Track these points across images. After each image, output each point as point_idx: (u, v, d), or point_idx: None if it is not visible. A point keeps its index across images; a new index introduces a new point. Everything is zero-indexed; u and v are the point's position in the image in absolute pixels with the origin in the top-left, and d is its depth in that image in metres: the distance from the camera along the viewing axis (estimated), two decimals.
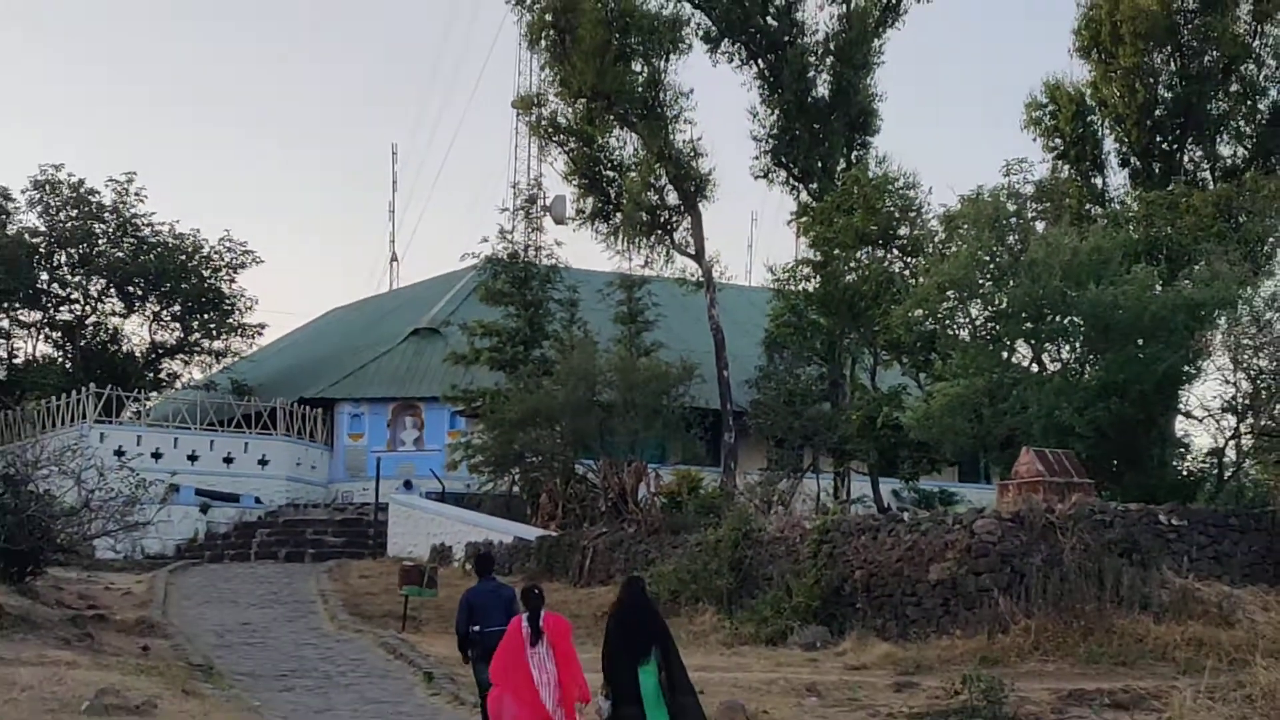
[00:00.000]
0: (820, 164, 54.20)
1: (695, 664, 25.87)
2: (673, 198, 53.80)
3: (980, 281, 39.70)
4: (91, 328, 66.20)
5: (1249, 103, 51.26)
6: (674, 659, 15.32)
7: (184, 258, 64.03)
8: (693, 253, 53.74)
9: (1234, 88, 51.18)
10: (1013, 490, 32.52)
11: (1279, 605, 28.80)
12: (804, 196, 54.77)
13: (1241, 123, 51.66)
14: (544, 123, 55.32)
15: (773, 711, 19.96)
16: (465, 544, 44.70)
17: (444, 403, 55.72)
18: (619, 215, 53.80)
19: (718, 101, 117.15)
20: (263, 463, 56.74)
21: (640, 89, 52.79)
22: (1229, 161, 51.96)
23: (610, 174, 54.98)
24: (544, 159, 58.46)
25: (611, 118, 53.91)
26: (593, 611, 31.69)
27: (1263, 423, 38.33)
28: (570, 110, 54.56)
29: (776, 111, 54.19)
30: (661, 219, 53.74)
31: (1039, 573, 27.54)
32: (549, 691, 15.64)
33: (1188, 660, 23.91)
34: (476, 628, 19.42)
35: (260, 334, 68.43)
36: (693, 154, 53.27)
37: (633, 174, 53.59)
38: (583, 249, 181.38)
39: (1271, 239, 41.69)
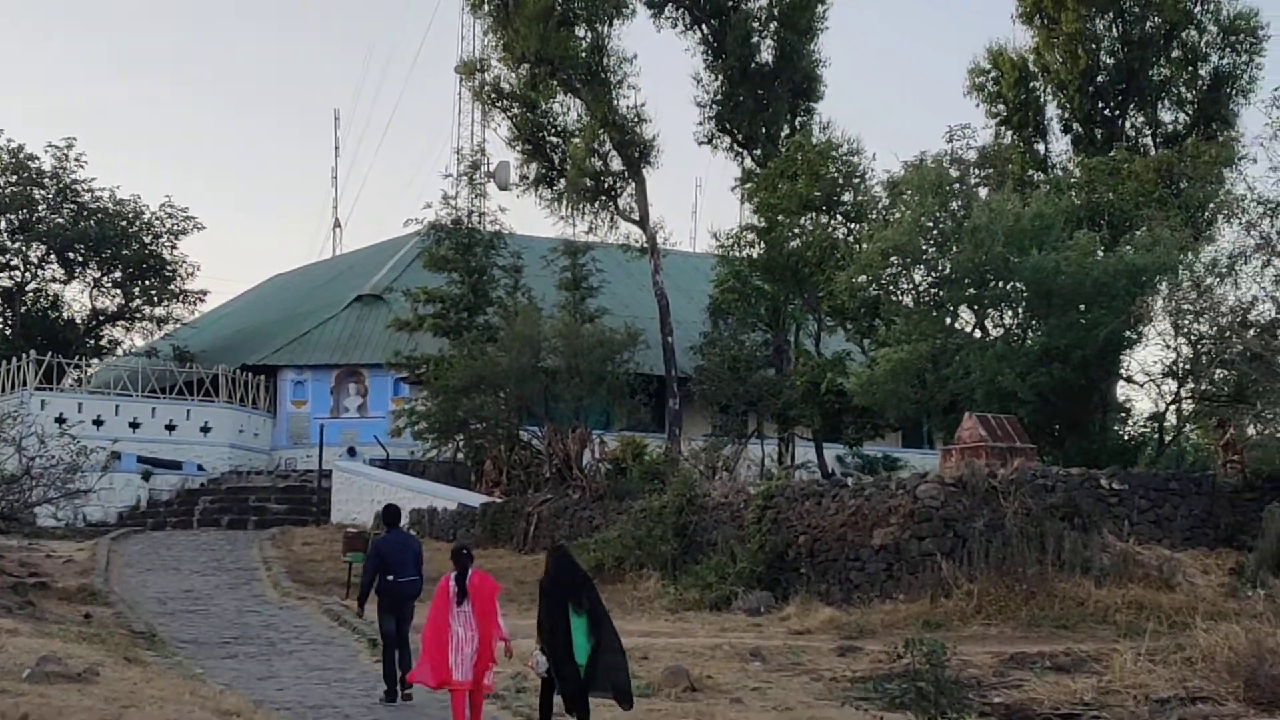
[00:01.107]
0: (764, 130, 54.19)
1: (639, 629, 25.96)
2: (617, 164, 53.68)
3: (924, 247, 39.84)
4: (31, 294, 65.54)
5: (1190, 69, 51.44)
6: (603, 619, 15.85)
7: (125, 224, 63.44)
8: (637, 219, 53.64)
9: (1175, 54, 51.36)
10: (955, 455, 32.66)
11: (1218, 568, 29.07)
12: (748, 163, 54.77)
13: (1183, 89, 51.86)
14: (487, 88, 55.08)
15: (717, 676, 19.99)
16: (410, 511, 44.59)
17: (388, 369, 55.50)
18: (563, 181, 53.68)
19: (662, 67, 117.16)
20: (205, 430, 56.40)
21: (584, 54, 52.60)
22: (1170, 127, 52.20)
23: (554, 140, 54.83)
24: (488, 125, 58.45)
25: (555, 83, 53.73)
26: (537, 577, 31.62)
27: (1203, 387, 38.57)
28: (514, 76, 54.33)
29: (720, 77, 54.11)
30: (605, 185, 53.61)
31: (981, 537, 27.71)
32: (470, 648, 16.01)
33: (1128, 623, 24.08)
34: (390, 577, 19.75)
35: (202, 300, 68.00)
36: (637, 120, 53.14)
37: (576, 140, 53.44)
38: (527, 215, 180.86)
39: (1212, 205, 41.92)
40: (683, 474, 38.07)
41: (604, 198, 53.59)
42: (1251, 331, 33.26)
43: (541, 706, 15.92)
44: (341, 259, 75.65)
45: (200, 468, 55.65)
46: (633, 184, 53.66)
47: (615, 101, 52.91)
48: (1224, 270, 36.60)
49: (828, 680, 19.90)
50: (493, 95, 54.99)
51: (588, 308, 53.19)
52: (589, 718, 15.65)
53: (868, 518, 29.57)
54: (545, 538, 38.00)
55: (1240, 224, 33.42)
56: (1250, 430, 35.01)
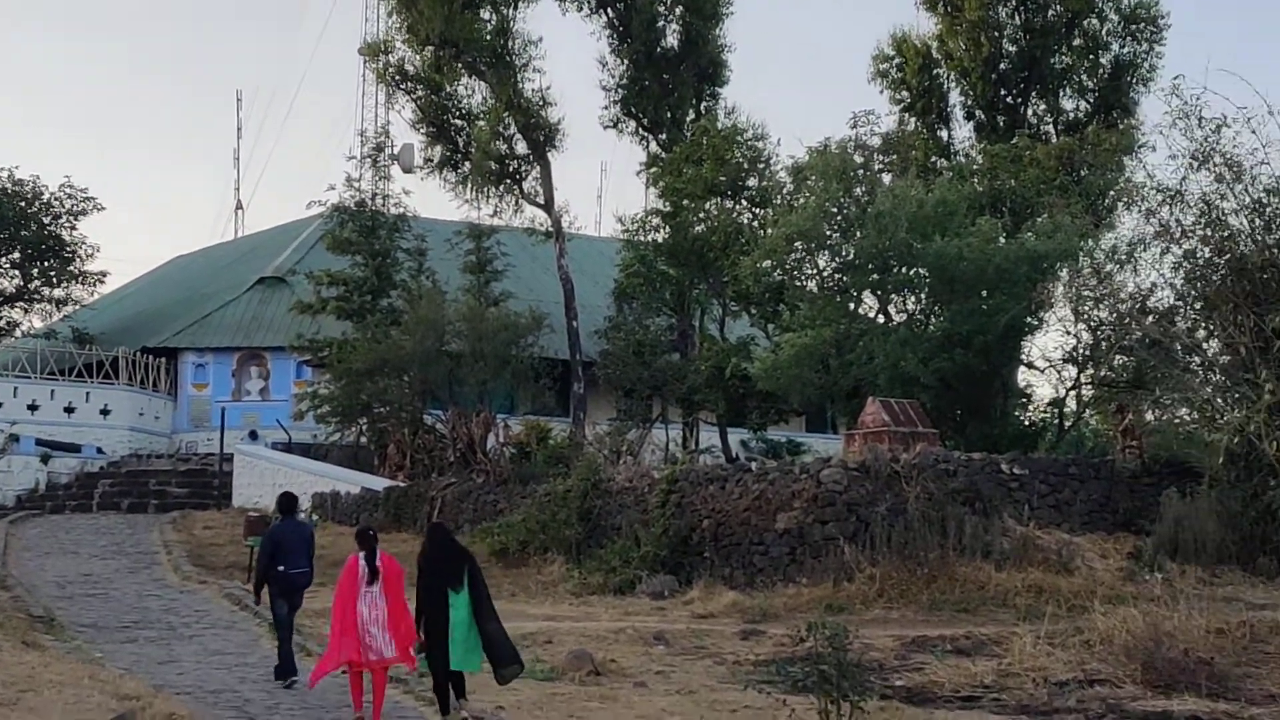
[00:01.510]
0: (670, 114, 54.23)
1: (544, 613, 25.96)
2: (522, 147, 53.56)
3: (828, 233, 40.00)
4: None
5: (1091, 57, 51.91)
6: (482, 592, 16.13)
7: (23, 204, 62.47)
8: (542, 202, 53.55)
9: (1077, 42, 51.81)
10: (859, 440, 32.83)
11: (1117, 553, 29.39)
12: (653, 147, 54.81)
13: (1084, 77, 52.33)
14: (391, 70, 54.77)
15: (621, 660, 20.01)
16: (312, 494, 44.39)
17: (290, 352, 55.12)
18: (467, 164, 53.48)
19: (567, 51, 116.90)
20: (105, 412, 55.81)
21: (489, 37, 52.42)
22: (1072, 115, 52.68)
23: (459, 122, 54.59)
24: (392, 107, 58.07)
25: (460, 66, 53.51)
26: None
27: (1102, 373, 38.95)
28: (418, 58, 54.04)
29: (626, 61, 54.09)
30: (510, 168, 53.47)
31: (884, 521, 27.86)
32: (376, 628, 15.98)
33: (1028, 606, 24.28)
34: (281, 568, 19.83)
35: (102, 282, 67.03)
36: (542, 103, 53.03)
37: (481, 123, 53.25)
38: (431, 198, 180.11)
39: (1112, 192, 42.32)
40: (587, 458, 38.03)
41: (509, 181, 53.45)
42: (1150, 318, 33.56)
43: (452, 686, 15.94)
44: (244, 241, 75.05)
45: (100, 451, 55.05)
46: (538, 167, 53.57)
47: (520, 85, 52.78)
48: (1124, 257, 36.93)
49: (731, 664, 19.97)
50: (397, 77, 54.70)
51: (492, 291, 53.02)
52: (464, 692, 15.77)
53: (771, 502, 29.66)
54: (449, 522, 37.87)
55: (1140, 211, 33.66)
56: (1149, 416, 35.39)
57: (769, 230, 42.70)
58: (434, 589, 15.90)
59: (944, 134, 53.46)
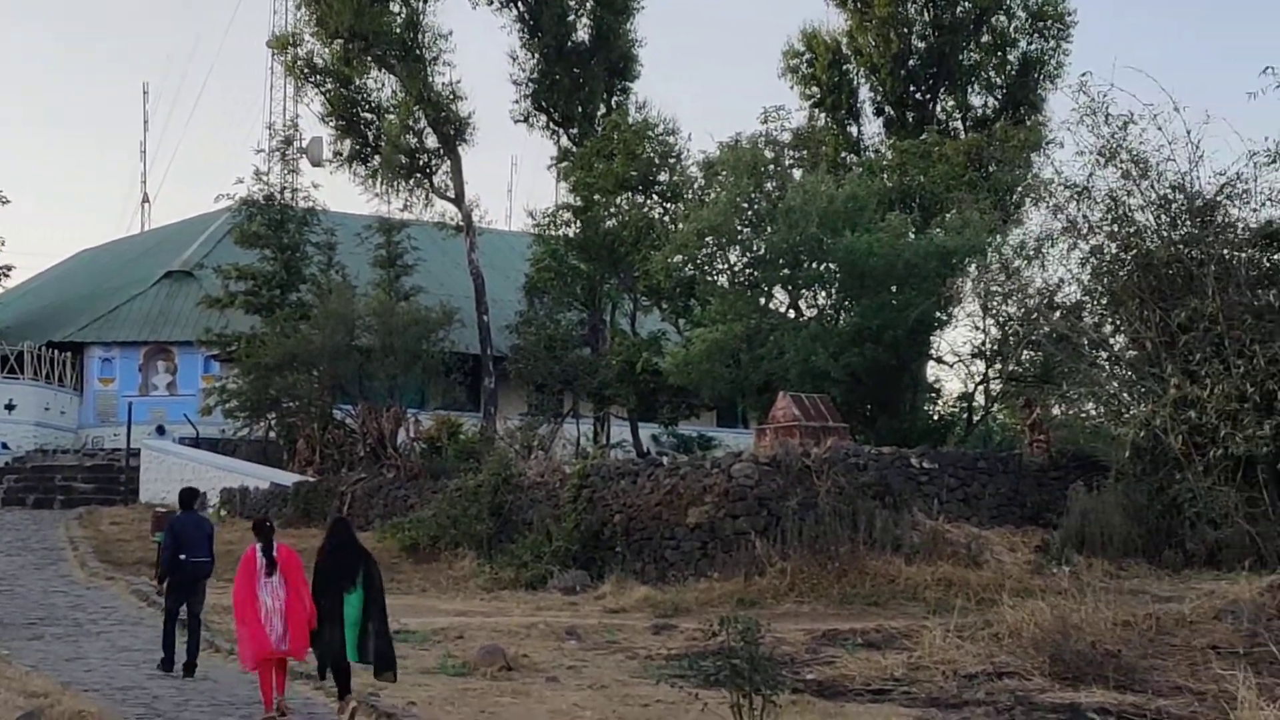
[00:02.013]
0: (581, 109, 54.17)
1: (455, 609, 25.89)
2: (432, 141, 53.35)
3: (739, 228, 40.09)
4: None
5: (999, 54, 52.23)
6: (376, 588, 15.96)
7: None
8: (453, 196, 53.37)
9: (985, 39, 52.11)
10: (770, 434, 32.92)
11: (1025, 546, 29.62)
12: (564, 141, 54.72)
13: (992, 73, 52.62)
14: (300, 63, 54.39)
15: (532, 655, 19.97)
16: (220, 490, 44.08)
17: (198, 347, 54.75)
18: (377, 158, 53.21)
19: (478, 45, 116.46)
20: (9, 408, 55.19)
21: (399, 30, 52.16)
22: (980, 111, 52.98)
23: (369, 116, 54.30)
24: (300, 100, 57.72)
25: (370, 59, 53.21)
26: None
27: (1010, 368, 39.24)
28: (327, 51, 53.70)
29: (537, 55, 53.96)
30: (421, 162, 53.23)
31: (795, 515, 27.93)
32: (278, 619, 15.92)
33: (937, 600, 24.42)
34: (183, 556, 20.01)
35: (7, 276, 66.22)
36: (452, 97, 52.83)
37: (391, 116, 53.03)
38: (341, 191, 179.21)
39: (1020, 188, 42.63)
40: (498, 453, 37.99)
41: (419, 175, 53.23)
42: (1058, 313, 33.85)
43: (337, 678, 15.85)
44: (150, 234, 74.42)
45: (4, 446, 54.45)
46: (448, 161, 53.37)
47: (431, 78, 52.56)
48: (1031, 253, 37.17)
49: (643, 658, 19.97)
50: (306, 70, 54.34)
51: (403, 286, 52.87)
52: (349, 688, 15.64)
53: (683, 496, 29.69)
54: (359, 517, 37.74)
55: (1048, 207, 33.95)
56: (1056, 410, 35.68)
57: (680, 225, 42.75)
58: (330, 584, 15.85)
59: (854, 130, 53.68)
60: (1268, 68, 29.67)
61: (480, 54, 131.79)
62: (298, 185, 55.22)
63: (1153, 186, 31.01)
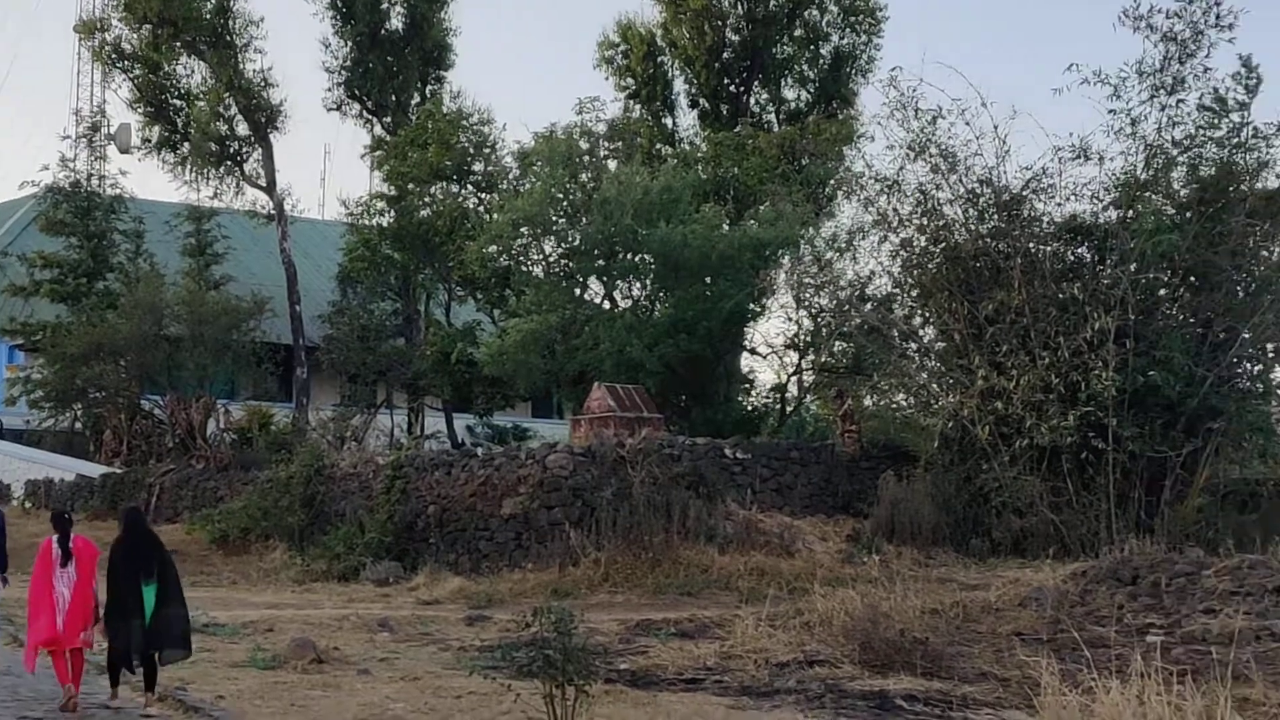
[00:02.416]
0: (395, 97, 53.73)
1: (265, 601, 25.58)
2: (243, 128, 52.58)
3: (554, 219, 40.06)
4: None
5: (812, 48, 52.61)
6: (171, 577, 15.83)
7: None
8: (264, 185, 52.66)
9: (798, 32, 52.46)
10: (585, 425, 32.96)
11: (836, 535, 29.99)
12: (378, 130, 54.22)
13: (805, 67, 53.00)
14: (108, 48, 53.31)
15: (344, 648, 19.78)
16: (25, 481, 43.21)
17: (1, 336, 53.53)
18: (187, 145, 52.34)
19: (290, 32, 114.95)
20: None
21: (209, 16, 51.30)
22: (793, 105, 53.34)
23: (178, 103, 53.35)
24: (108, 86, 56.67)
25: (179, 45, 52.30)
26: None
27: (823, 359, 39.66)
28: (136, 36, 52.66)
29: (350, 43, 53.34)
30: (231, 150, 52.46)
31: (609, 506, 28.01)
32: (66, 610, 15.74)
33: (750, 589, 24.59)
34: None
35: None
36: (264, 84, 52.09)
37: (201, 103, 52.15)
38: (150, 179, 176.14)
39: (832, 181, 43.05)
40: (310, 444, 37.63)
41: (230, 163, 52.46)
42: (869, 305, 34.29)
43: (145, 671, 15.65)
44: None
45: None
46: (260, 149, 52.67)
47: (242, 65, 51.79)
48: (843, 245, 37.71)
49: (456, 649, 19.87)
50: (113, 56, 53.29)
51: (213, 275, 52.12)
52: (154, 686, 15.45)
53: (497, 487, 29.65)
54: (168, 509, 37.26)
55: (859, 200, 34.39)
56: (868, 401, 36.13)
57: (495, 215, 42.60)
58: (127, 576, 15.61)
59: (669, 121, 53.81)
60: (1072, 65, 30.32)
61: (293, 41, 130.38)
62: (105, 172, 54.32)
63: (961, 180, 31.52)
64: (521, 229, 40.23)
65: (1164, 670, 11.86)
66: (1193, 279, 30.93)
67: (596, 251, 39.05)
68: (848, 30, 52.37)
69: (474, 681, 15.05)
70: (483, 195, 47.85)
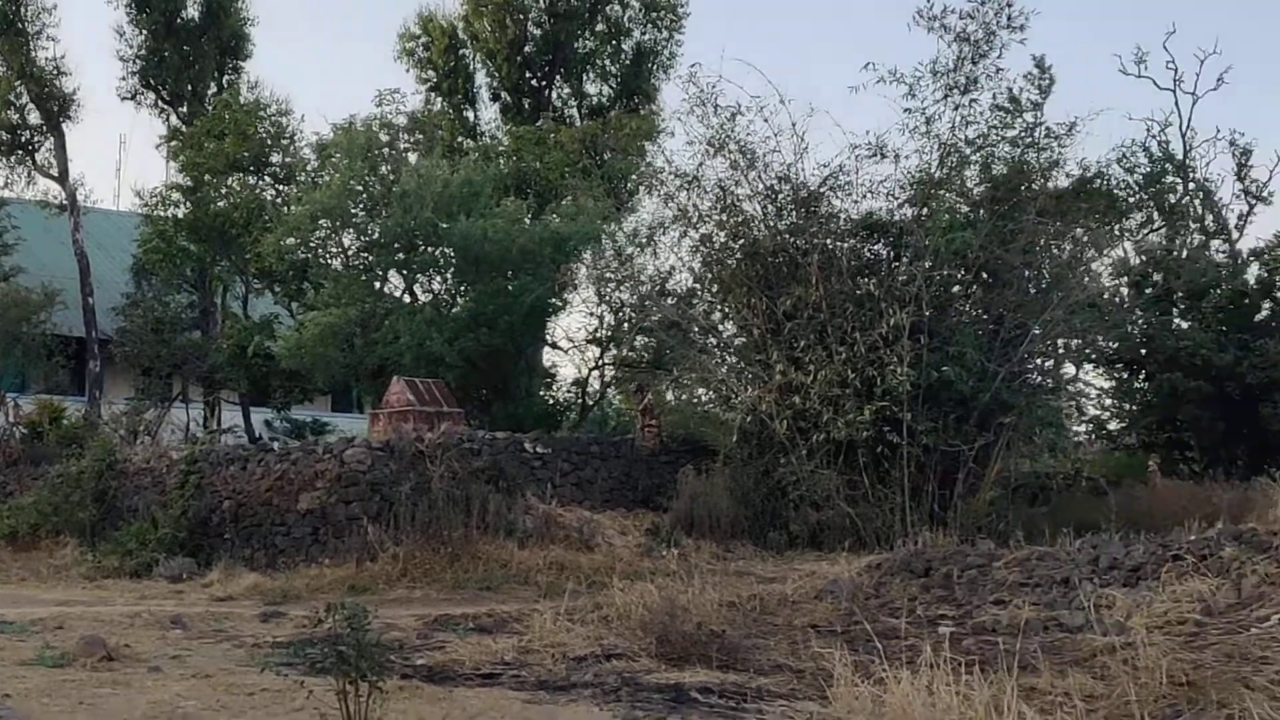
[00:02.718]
0: (191, 87, 52.92)
1: (55, 598, 25.05)
2: (35, 117, 51.37)
3: (353, 211, 39.78)
4: None
5: (614, 42, 52.81)
6: None
7: None
8: (56, 174, 51.56)
9: (600, 27, 52.62)
10: (384, 419, 32.74)
11: (636, 529, 30.10)
12: (174, 120, 53.34)
13: (607, 62, 53.19)
14: None
15: (136, 645, 19.40)
16: None
17: None
18: None
19: (85, 19, 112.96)
20: None
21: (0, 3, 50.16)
22: (595, 100, 53.50)
23: None
24: None
25: None
26: None
27: (625, 354, 39.78)
28: None
29: (145, 31, 52.37)
30: (23, 139, 51.28)
31: (408, 501, 27.80)
32: None
33: (549, 584, 24.56)
34: None
35: None
36: (56, 72, 50.94)
37: None
38: None
39: (633, 176, 43.22)
40: (102, 438, 36.93)
41: (20, 152, 51.28)
42: (669, 300, 34.45)
43: None
44: None
45: None
46: (51, 138, 51.54)
47: (33, 53, 50.61)
48: (644, 240, 37.85)
49: (250, 646, 19.59)
50: None
51: (2, 266, 50.89)
52: None
53: (294, 482, 29.32)
54: None
55: (660, 196, 34.56)
56: (670, 396, 36.30)
57: (293, 208, 42.16)
58: None
59: (471, 115, 53.68)
60: (869, 63, 30.75)
61: (87, 29, 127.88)
62: None
63: (760, 177, 31.79)
64: (320, 221, 39.86)
65: (954, 660, 12.03)
66: (985, 276, 31.53)
67: (396, 245, 38.80)
68: (649, 26, 52.62)
69: (267, 678, 14.87)
70: (281, 187, 47.32)
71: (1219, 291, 41.59)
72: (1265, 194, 49.19)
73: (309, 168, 45.39)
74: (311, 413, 54.70)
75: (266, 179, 47.73)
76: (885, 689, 11.78)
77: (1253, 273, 43.91)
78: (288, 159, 47.00)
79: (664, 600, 18.13)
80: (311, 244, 41.22)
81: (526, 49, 52.52)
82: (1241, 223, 48.86)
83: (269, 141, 47.11)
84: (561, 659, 16.56)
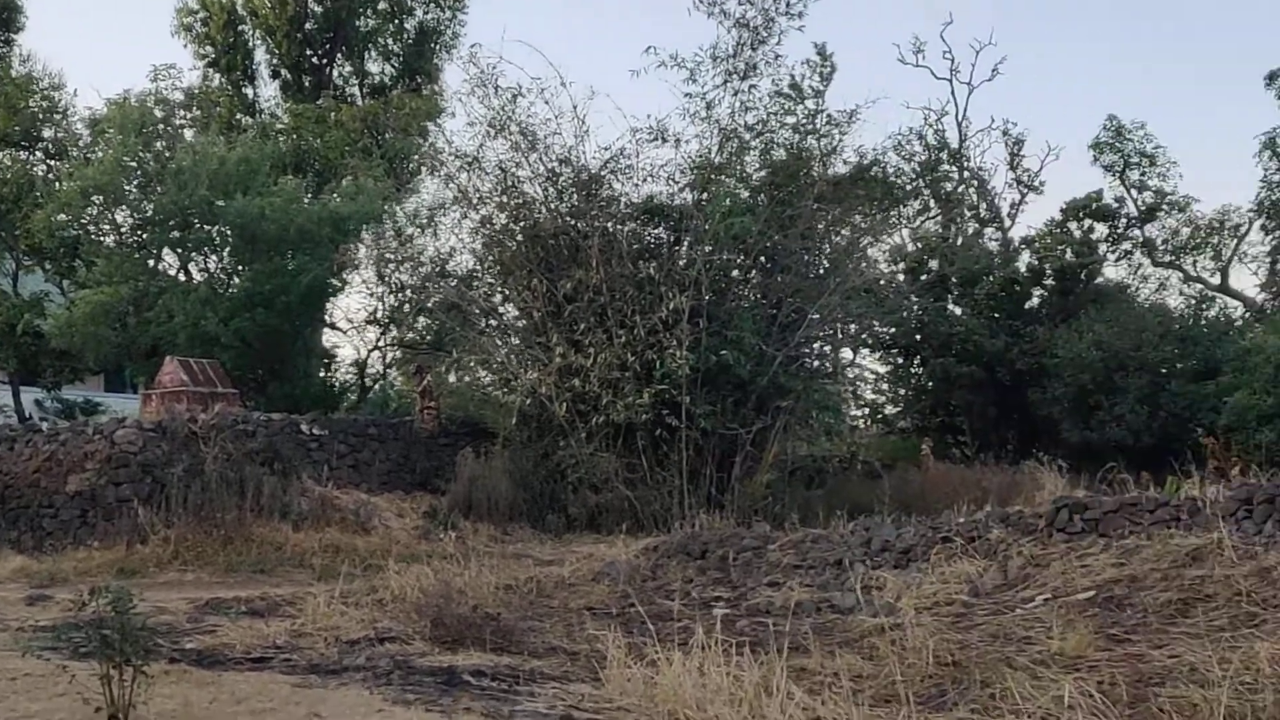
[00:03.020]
0: None
1: None
2: None
3: (127, 188, 39.02)
4: None
5: (397, 21, 52.53)
6: None
7: None
8: None
9: (382, 6, 52.31)
10: (156, 400, 32.17)
11: (413, 512, 29.92)
12: None
13: (390, 41, 52.88)
14: None
15: None
16: None
17: None
18: None
19: None
20: None
21: None
22: (377, 79, 53.15)
23: None
24: None
25: None
26: None
27: (405, 335, 39.54)
28: None
29: None
30: None
31: (180, 482, 27.34)
32: None
33: (324, 566, 24.33)
34: None
35: None
36: None
37: None
38: None
39: (416, 156, 42.97)
40: None
41: None
42: (450, 282, 34.29)
43: None
44: None
45: None
46: None
47: None
48: (425, 221, 37.62)
49: (14, 630, 19.13)
50: None
51: None
52: None
53: (63, 463, 28.67)
54: None
55: (440, 176, 34.38)
56: (452, 378, 36.16)
57: (64, 183, 41.23)
58: None
59: (250, 92, 52.98)
60: (650, 47, 30.86)
61: None
62: None
63: (541, 160, 31.75)
64: (92, 198, 39.03)
65: (727, 642, 12.13)
66: (765, 261, 31.85)
67: (171, 222, 38.12)
68: (432, 5, 52.45)
69: (30, 663, 14.52)
70: (52, 162, 46.26)
71: (991, 279, 42.54)
72: (1037, 183, 50.49)
73: (82, 143, 44.44)
74: (83, 393, 53.54)
75: (38, 154, 46.61)
76: (658, 671, 11.84)
77: (1024, 261, 44.99)
78: (60, 134, 45.95)
79: (440, 583, 18.08)
80: (83, 221, 40.35)
81: (307, 26, 51.97)
82: (1014, 211, 50.11)
83: (40, 116, 46.00)
84: (334, 642, 16.41)
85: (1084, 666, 12.32)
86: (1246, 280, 69.73)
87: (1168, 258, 51.68)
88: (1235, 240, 52.02)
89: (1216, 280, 51.88)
